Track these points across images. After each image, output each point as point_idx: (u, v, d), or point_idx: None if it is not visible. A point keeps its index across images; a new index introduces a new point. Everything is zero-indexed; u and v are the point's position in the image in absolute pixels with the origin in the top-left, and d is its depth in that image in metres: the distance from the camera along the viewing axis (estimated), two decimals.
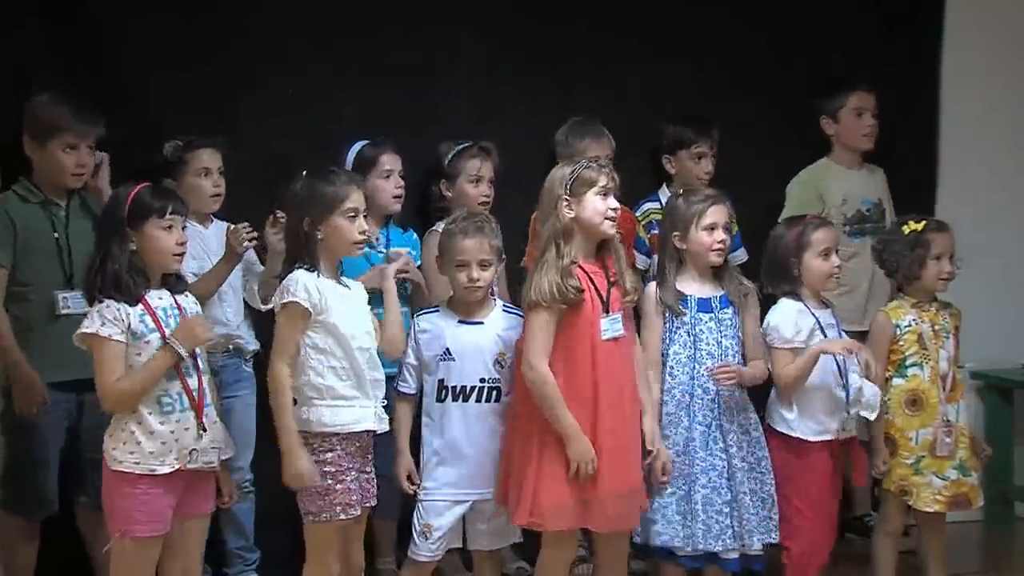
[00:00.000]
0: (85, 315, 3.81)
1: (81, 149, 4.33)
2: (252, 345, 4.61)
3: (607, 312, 4.07)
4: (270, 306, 4.05)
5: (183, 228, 3.86)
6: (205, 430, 3.83)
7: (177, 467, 3.76)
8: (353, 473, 3.91)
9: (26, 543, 4.39)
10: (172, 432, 3.77)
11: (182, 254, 3.86)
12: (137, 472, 3.74)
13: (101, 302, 3.75)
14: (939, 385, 4.52)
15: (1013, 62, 5.75)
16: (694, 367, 4.35)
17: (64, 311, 4.26)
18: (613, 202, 4.07)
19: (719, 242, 4.37)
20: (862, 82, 5.26)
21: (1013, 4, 5.76)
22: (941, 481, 4.51)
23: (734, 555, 4.34)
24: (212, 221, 4.59)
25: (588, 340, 4.03)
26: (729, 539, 4.31)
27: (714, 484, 4.31)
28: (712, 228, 4.36)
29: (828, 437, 4.43)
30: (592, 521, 4.09)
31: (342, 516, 3.89)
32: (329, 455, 3.88)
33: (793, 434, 4.43)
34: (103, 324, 3.73)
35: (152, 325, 3.78)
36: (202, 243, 4.50)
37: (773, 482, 4.40)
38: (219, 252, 4.49)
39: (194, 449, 3.80)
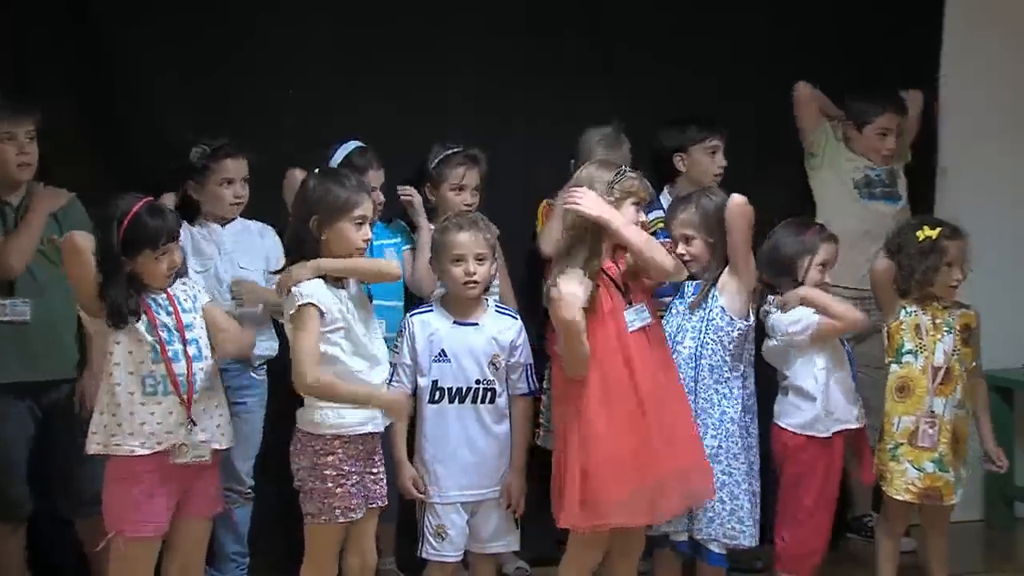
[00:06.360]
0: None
1: (19, 138, 4.25)
2: (264, 352, 4.52)
3: (630, 304, 4.04)
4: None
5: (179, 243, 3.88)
6: (195, 423, 3.82)
7: (158, 450, 3.76)
8: (355, 477, 3.90)
9: (7, 541, 4.36)
10: (153, 414, 3.77)
11: (171, 275, 3.86)
12: (118, 455, 3.74)
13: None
14: (929, 376, 4.52)
15: (1013, 62, 5.74)
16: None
17: (3, 318, 4.22)
18: (642, 215, 4.08)
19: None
20: (893, 103, 5.28)
21: (1013, 4, 5.75)
22: (916, 472, 4.50)
23: (683, 537, 4.25)
24: (232, 220, 4.56)
25: (614, 336, 3.99)
26: (680, 523, 4.22)
27: None
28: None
29: (839, 428, 4.43)
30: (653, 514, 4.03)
31: (341, 519, 3.88)
32: (330, 458, 3.86)
33: (811, 433, 4.42)
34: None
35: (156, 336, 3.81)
36: (216, 243, 4.49)
37: (754, 478, 4.30)
38: (232, 251, 4.48)
39: (183, 444, 3.80)
